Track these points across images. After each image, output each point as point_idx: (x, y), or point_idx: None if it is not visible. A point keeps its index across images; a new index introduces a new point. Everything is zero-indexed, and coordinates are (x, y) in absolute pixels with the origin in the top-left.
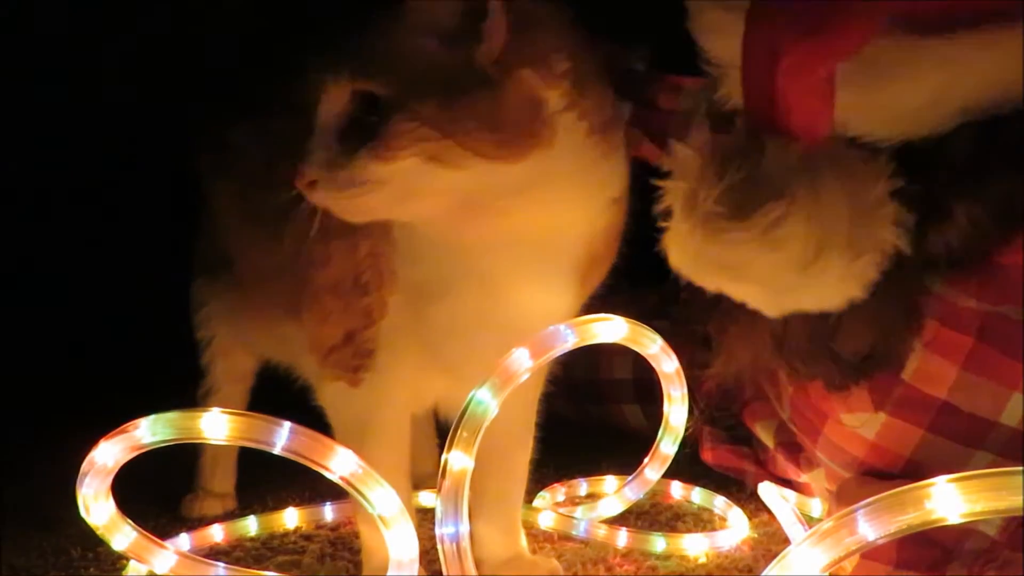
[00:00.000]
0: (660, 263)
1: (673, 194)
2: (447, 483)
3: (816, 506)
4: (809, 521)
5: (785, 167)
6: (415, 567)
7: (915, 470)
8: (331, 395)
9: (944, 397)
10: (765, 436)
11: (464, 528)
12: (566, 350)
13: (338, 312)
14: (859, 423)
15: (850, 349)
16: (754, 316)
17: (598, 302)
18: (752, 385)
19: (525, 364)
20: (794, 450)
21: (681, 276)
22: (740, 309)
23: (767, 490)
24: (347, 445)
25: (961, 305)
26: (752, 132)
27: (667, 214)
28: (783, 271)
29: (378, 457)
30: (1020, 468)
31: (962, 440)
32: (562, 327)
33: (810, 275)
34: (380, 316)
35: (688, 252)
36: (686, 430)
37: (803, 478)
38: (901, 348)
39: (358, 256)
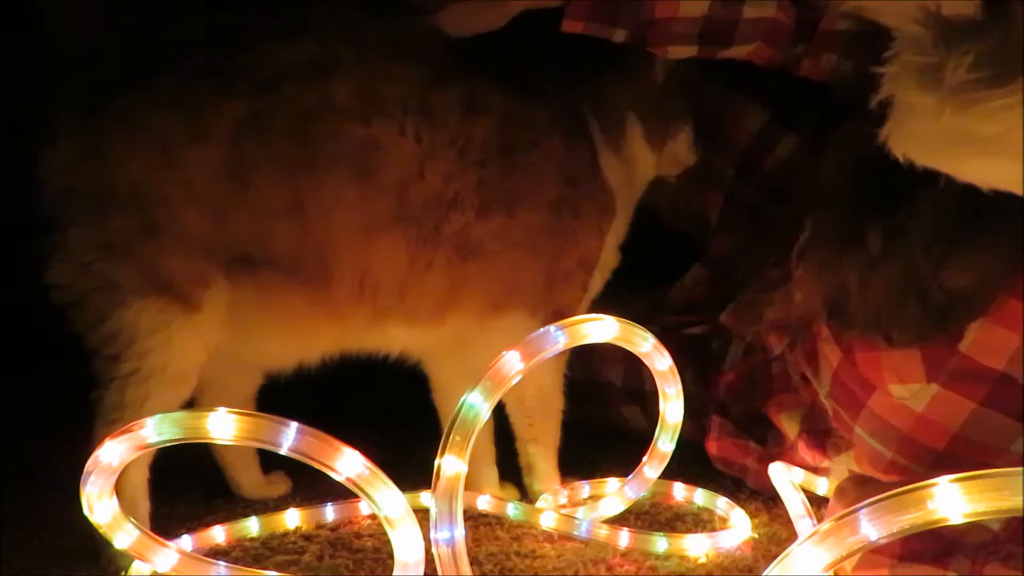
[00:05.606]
0: (657, 265)
1: (903, 74)
2: (441, 487)
3: (823, 484)
4: (815, 501)
5: None
6: (421, 568)
7: (960, 447)
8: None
9: (1002, 368)
10: (789, 425)
11: (459, 532)
12: (557, 351)
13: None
14: (909, 394)
15: (955, 284)
16: (825, 257)
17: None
18: (782, 377)
19: (516, 367)
20: (820, 436)
21: (915, 162)
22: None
23: (777, 471)
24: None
25: None
26: (991, 4)
27: (885, 104)
28: None
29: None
30: (1021, 469)
31: (1016, 414)
32: (552, 328)
33: None
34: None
35: (930, 131)
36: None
37: (825, 463)
38: (994, 294)
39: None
